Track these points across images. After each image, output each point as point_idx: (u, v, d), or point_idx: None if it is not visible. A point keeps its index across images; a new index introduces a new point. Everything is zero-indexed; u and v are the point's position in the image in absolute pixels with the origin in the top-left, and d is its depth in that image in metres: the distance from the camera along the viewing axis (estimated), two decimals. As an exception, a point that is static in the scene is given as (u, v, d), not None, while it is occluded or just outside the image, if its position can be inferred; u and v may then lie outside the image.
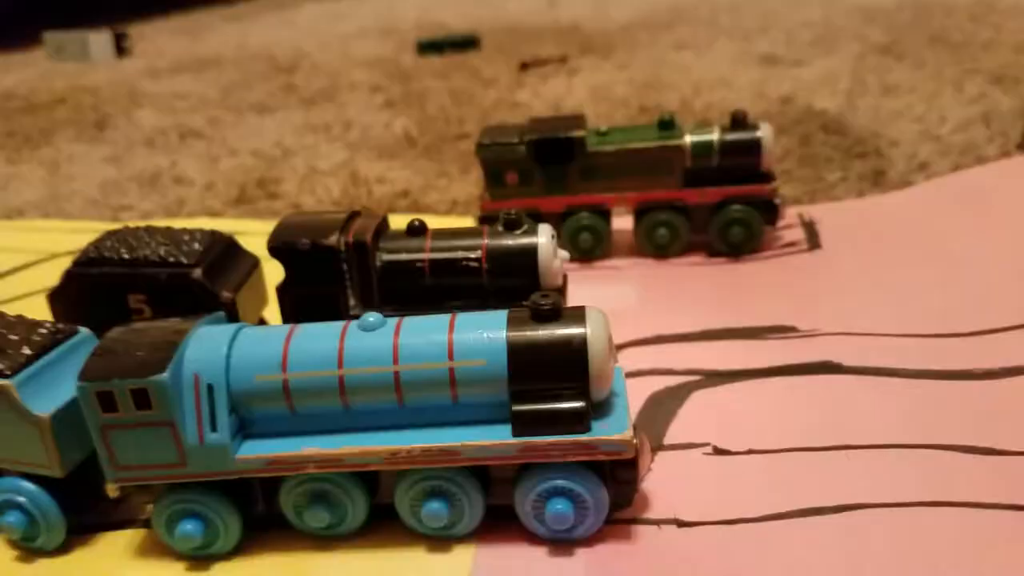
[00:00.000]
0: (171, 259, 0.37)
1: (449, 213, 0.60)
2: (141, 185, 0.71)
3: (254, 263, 0.41)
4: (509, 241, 0.36)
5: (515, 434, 0.28)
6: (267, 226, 0.57)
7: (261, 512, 0.31)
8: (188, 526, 0.29)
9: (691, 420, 0.35)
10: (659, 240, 0.50)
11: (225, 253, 0.40)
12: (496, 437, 0.28)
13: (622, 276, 0.50)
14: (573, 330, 0.28)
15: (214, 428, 0.28)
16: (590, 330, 0.28)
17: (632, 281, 0.49)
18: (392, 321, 0.29)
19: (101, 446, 0.28)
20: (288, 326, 0.30)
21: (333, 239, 0.36)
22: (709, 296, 0.45)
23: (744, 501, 0.30)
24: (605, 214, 0.50)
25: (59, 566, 0.30)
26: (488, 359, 0.28)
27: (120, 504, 0.33)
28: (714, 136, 0.49)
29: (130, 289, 0.38)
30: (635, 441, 0.28)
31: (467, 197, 0.61)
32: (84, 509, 0.32)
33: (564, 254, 0.37)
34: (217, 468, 0.28)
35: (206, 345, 0.28)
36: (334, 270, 0.36)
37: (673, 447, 0.33)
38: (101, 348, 0.29)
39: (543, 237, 0.36)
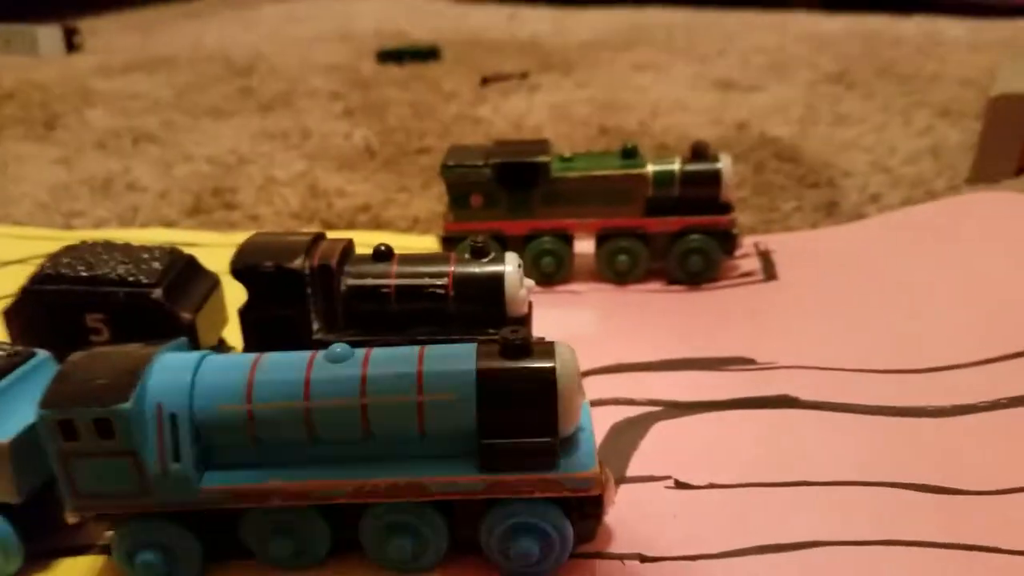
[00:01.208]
0: (130, 278, 0.37)
1: (410, 230, 0.60)
2: (93, 190, 0.69)
3: (214, 282, 0.40)
4: (476, 269, 0.36)
5: (482, 468, 0.28)
6: (224, 238, 0.58)
7: (223, 542, 0.30)
8: (148, 555, 0.29)
9: (653, 452, 0.35)
10: (619, 266, 0.50)
11: (184, 272, 0.39)
12: (464, 472, 0.28)
13: (583, 301, 0.50)
14: (542, 365, 0.28)
15: (177, 459, 0.27)
16: (559, 366, 0.28)
17: (593, 307, 0.49)
18: (360, 352, 0.29)
19: (61, 474, 0.27)
20: (254, 355, 0.29)
21: (298, 262, 0.35)
22: (669, 324, 0.46)
23: (705, 536, 0.30)
24: (567, 239, 0.50)
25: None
26: (457, 393, 0.28)
27: (80, 529, 0.32)
28: (675, 166, 0.50)
29: (88, 308, 0.37)
30: (602, 477, 0.28)
31: (428, 214, 0.61)
32: (42, 534, 0.31)
33: (530, 283, 0.37)
34: (179, 499, 0.28)
35: (169, 373, 0.28)
36: (298, 293, 0.36)
37: (635, 479, 0.34)
38: (62, 374, 0.28)
39: (510, 266, 0.36)
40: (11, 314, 0.37)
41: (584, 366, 0.41)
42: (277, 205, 0.64)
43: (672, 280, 0.50)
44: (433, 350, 0.29)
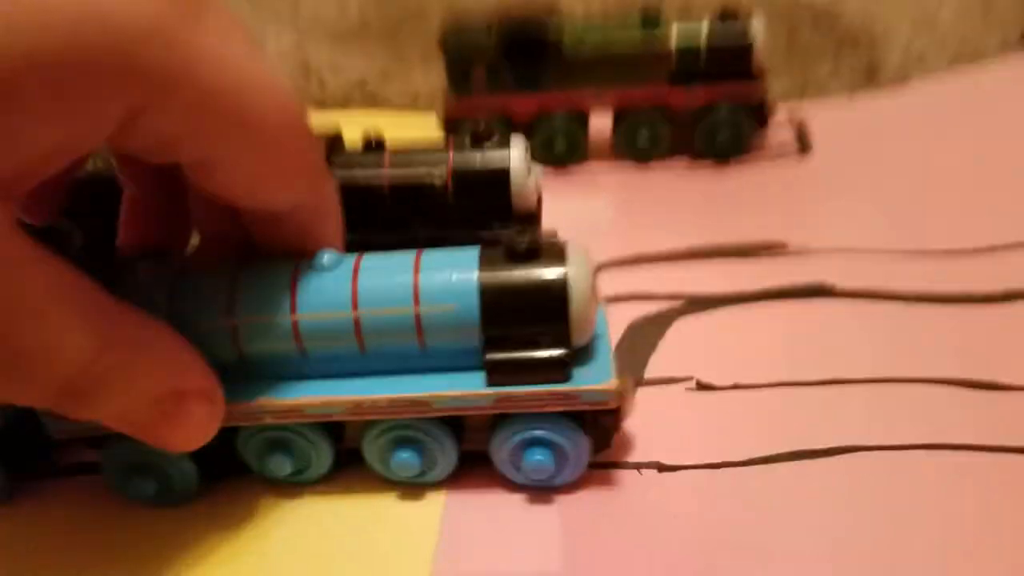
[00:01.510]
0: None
1: (410, 108, 0.56)
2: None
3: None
4: (478, 158, 0.33)
5: (489, 383, 0.26)
6: None
7: (219, 460, 0.28)
8: (138, 479, 0.27)
9: (673, 351, 0.33)
10: (640, 145, 0.46)
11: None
12: (469, 387, 0.26)
13: (599, 185, 0.46)
14: (552, 271, 0.25)
15: None
16: (571, 271, 0.25)
17: (610, 191, 0.46)
18: (349, 260, 0.26)
19: None
20: (233, 266, 0.27)
21: None
22: (694, 207, 0.42)
23: (729, 442, 0.28)
24: (582, 117, 0.46)
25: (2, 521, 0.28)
26: (458, 303, 0.25)
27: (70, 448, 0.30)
28: (702, 32, 0.45)
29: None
30: (619, 389, 0.26)
31: (430, 90, 0.57)
32: (29, 457, 0.29)
33: (539, 170, 0.34)
34: None
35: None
36: None
37: (654, 382, 0.31)
38: None
39: (516, 152, 0.32)
40: None
41: (599, 258, 0.38)
42: None
43: (698, 157, 0.47)
44: (431, 256, 0.26)
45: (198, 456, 0.27)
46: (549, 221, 0.31)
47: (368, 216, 0.34)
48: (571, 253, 0.26)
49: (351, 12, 0.72)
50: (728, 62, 0.45)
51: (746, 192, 0.44)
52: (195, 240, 0.30)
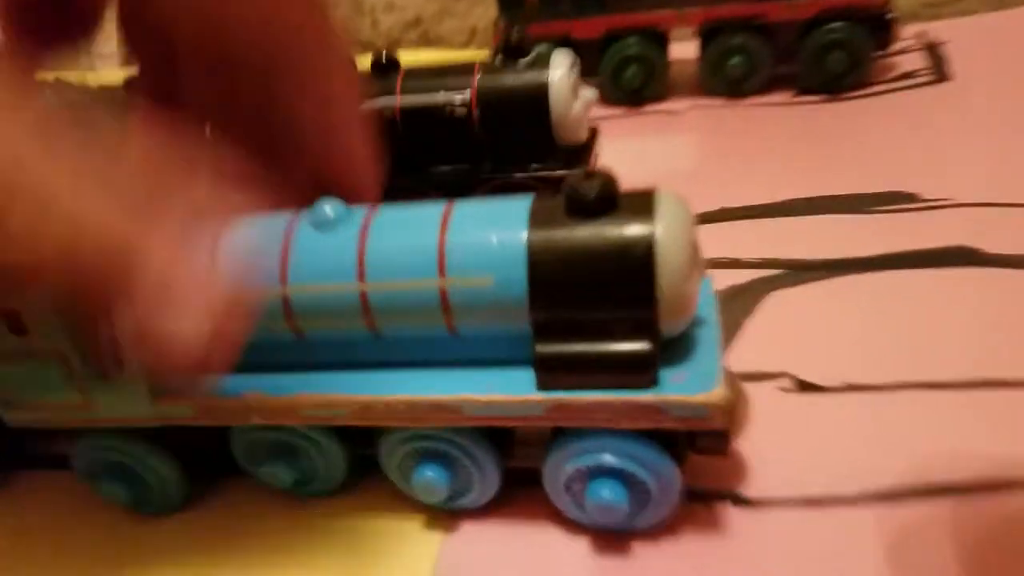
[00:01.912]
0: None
1: (467, 45, 0.53)
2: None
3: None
4: (508, 78, 0.28)
5: (540, 386, 0.20)
6: None
7: (211, 460, 0.24)
8: (112, 481, 0.23)
9: (764, 335, 0.27)
10: (732, 72, 0.42)
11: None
12: (513, 390, 0.20)
13: (680, 124, 0.40)
14: (634, 229, 0.18)
15: (119, 361, 0.21)
16: (662, 229, 0.18)
17: (693, 131, 0.40)
18: (357, 214, 0.21)
19: None
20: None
21: None
22: (796, 151, 0.37)
23: (837, 468, 0.22)
24: (660, 39, 0.42)
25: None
26: (498, 275, 0.19)
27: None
28: None
29: None
30: (729, 401, 0.19)
31: (486, 23, 0.53)
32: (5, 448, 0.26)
33: (589, 94, 0.28)
34: (131, 413, 0.22)
35: None
36: None
37: (740, 376, 0.24)
38: None
39: (557, 69, 0.27)
40: None
41: None
42: None
43: (804, 88, 0.41)
44: (465, 210, 0.20)
45: (184, 457, 0.24)
46: (610, 166, 0.24)
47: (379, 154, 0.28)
48: (662, 204, 0.19)
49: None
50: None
51: (864, 131, 0.38)
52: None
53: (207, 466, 0.24)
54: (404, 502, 0.23)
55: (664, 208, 0.19)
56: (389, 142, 0.28)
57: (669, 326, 0.19)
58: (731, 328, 0.27)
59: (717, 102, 0.41)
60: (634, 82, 0.41)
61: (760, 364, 0.25)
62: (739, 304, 0.28)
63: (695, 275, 0.19)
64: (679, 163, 0.36)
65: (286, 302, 0.20)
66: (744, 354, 0.26)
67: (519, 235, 0.19)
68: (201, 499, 0.24)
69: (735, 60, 0.41)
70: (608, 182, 0.19)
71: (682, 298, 0.19)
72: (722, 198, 0.33)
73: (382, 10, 0.57)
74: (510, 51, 0.27)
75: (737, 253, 0.30)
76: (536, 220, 0.19)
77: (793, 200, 0.33)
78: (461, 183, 0.28)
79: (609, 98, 0.41)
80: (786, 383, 0.25)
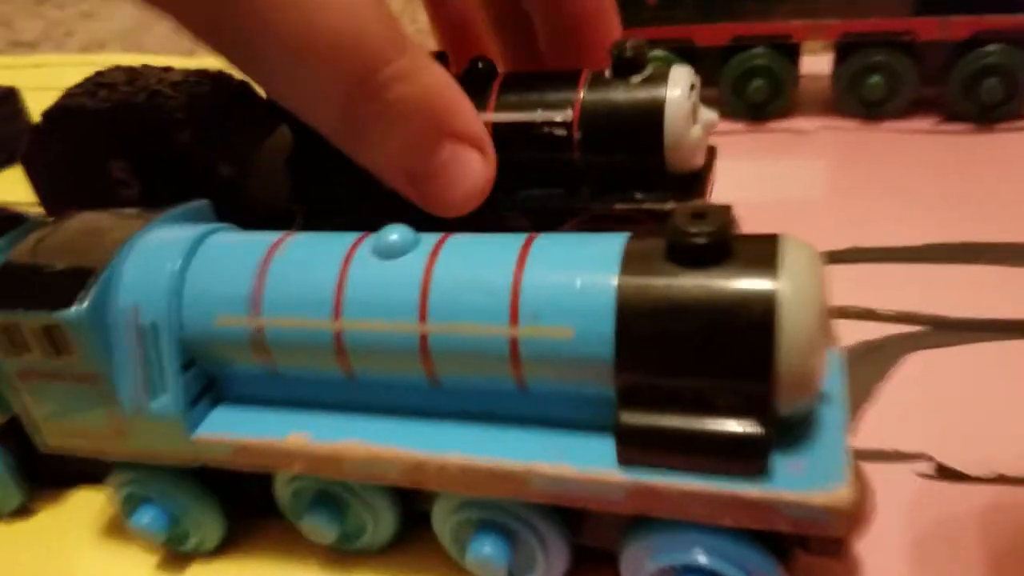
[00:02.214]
0: (157, 114, 0.27)
1: None
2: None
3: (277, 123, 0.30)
4: (619, 95, 0.24)
5: (622, 460, 0.17)
6: None
7: (252, 500, 0.23)
8: (146, 518, 0.22)
9: (900, 405, 0.23)
10: (870, 93, 0.39)
11: (235, 105, 0.29)
12: (591, 462, 0.17)
13: (807, 146, 0.37)
14: (752, 285, 0.16)
15: (160, 390, 0.20)
16: (787, 287, 0.16)
17: (822, 155, 0.36)
18: (427, 241, 0.19)
19: (16, 396, 0.21)
20: (276, 235, 0.21)
21: None
22: (941, 186, 0.33)
23: None
24: (790, 51, 0.39)
25: (12, 536, 0.24)
26: (580, 326, 0.17)
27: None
28: None
29: (108, 153, 0.29)
30: (854, 503, 0.16)
31: None
32: (50, 462, 0.25)
33: (710, 116, 0.25)
34: (167, 448, 0.21)
35: (152, 261, 0.20)
36: None
37: (869, 456, 0.22)
38: (15, 258, 0.21)
39: (676, 88, 0.24)
40: (28, 160, 0.30)
41: None
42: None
43: (953, 115, 0.38)
44: (545, 244, 0.18)
45: (223, 495, 0.22)
46: (726, 192, 0.23)
47: None
48: (787, 253, 0.16)
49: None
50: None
51: (1021, 168, 0.34)
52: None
53: (247, 505, 0.23)
54: (460, 571, 0.20)
55: (790, 259, 0.16)
56: None
57: (787, 405, 0.16)
58: (860, 393, 0.24)
59: (851, 124, 0.38)
60: (758, 96, 0.39)
61: (893, 440, 0.22)
62: (871, 365, 0.25)
63: (823, 343, 0.16)
64: (804, 191, 0.33)
65: (338, 338, 0.18)
66: (875, 427, 0.23)
67: (608, 281, 0.16)
68: (237, 540, 0.23)
69: (874, 79, 0.37)
70: (723, 223, 0.16)
71: (806, 372, 0.16)
72: (853, 235, 0.30)
73: None
74: (622, 65, 0.24)
75: (870, 302, 0.27)
76: (630, 264, 0.17)
77: (938, 244, 0.29)
78: (553, 210, 0.25)
79: (729, 111, 0.38)
80: (924, 467, 0.21)
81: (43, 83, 0.49)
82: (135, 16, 0.66)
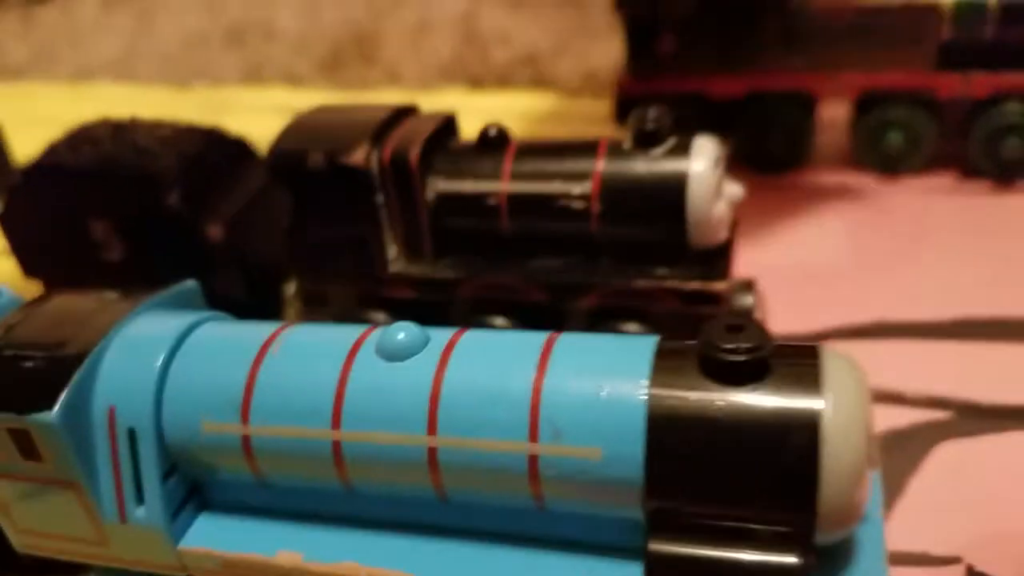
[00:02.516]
0: (144, 172, 0.27)
1: (581, 91, 0.48)
2: (228, 40, 0.62)
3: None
4: (640, 167, 0.24)
5: None
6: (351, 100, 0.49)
7: None
8: None
9: (931, 501, 0.22)
10: (889, 148, 0.37)
11: (228, 164, 0.28)
12: None
13: (826, 204, 0.36)
14: (793, 407, 0.15)
15: (142, 497, 0.19)
16: (832, 412, 0.15)
17: (841, 215, 0.35)
18: (437, 340, 0.18)
19: None
20: (270, 328, 0.19)
21: (360, 154, 0.25)
22: (966, 249, 0.32)
23: None
24: (808, 104, 0.38)
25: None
26: (607, 446, 0.16)
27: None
28: None
29: (91, 213, 0.28)
30: None
31: (609, 65, 0.49)
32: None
33: (735, 190, 0.25)
34: (149, 558, 0.19)
35: (132, 357, 0.19)
36: (362, 202, 0.26)
37: (897, 558, 0.21)
38: None
39: (700, 161, 0.23)
40: (6, 219, 0.29)
41: (822, 323, 0.29)
42: (424, 57, 0.55)
43: (973, 171, 0.37)
44: (569, 347, 0.17)
45: None
46: (745, 255, 0.25)
47: (478, 244, 0.25)
48: (830, 373, 0.15)
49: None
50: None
51: None
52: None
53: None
54: None
55: (834, 379, 0.15)
56: (491, 233, 0.25)
57: (828, 535, 0.15)
58: (891, 487, 0.23)
59: (868, 179, 0.37)
60: (776, 148, 0.38)
61: (924, 542, 0.21)
62: (901, 454, 0.23)
63: (864, 471, 0.15)
64: (824, 255, 0.32)
65: (337, 448, 0.17)
66: (905, 525, 0.22)
67: (639, 397, 0.16)
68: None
69: (893, 135, 0.36)
70: (761, 338, 0.15)
71: (850, 501, 0.15)
72: (877, 307, 0.29)
73: (496, 42, 0.54)
74: (643, 136, 0.23)
75: (898, 383, 0.26)
76: (661, 377, 0.16)
77: (968, 319, 0.28)
78: (571, 283, 0.24)
79: (746, 163, 0.38)
80: (956, 572, 0.20)
81: (29, 114, 0.48)
82: (127, 43, 0.65)
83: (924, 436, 0.24)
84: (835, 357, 0.15)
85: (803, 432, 0.15)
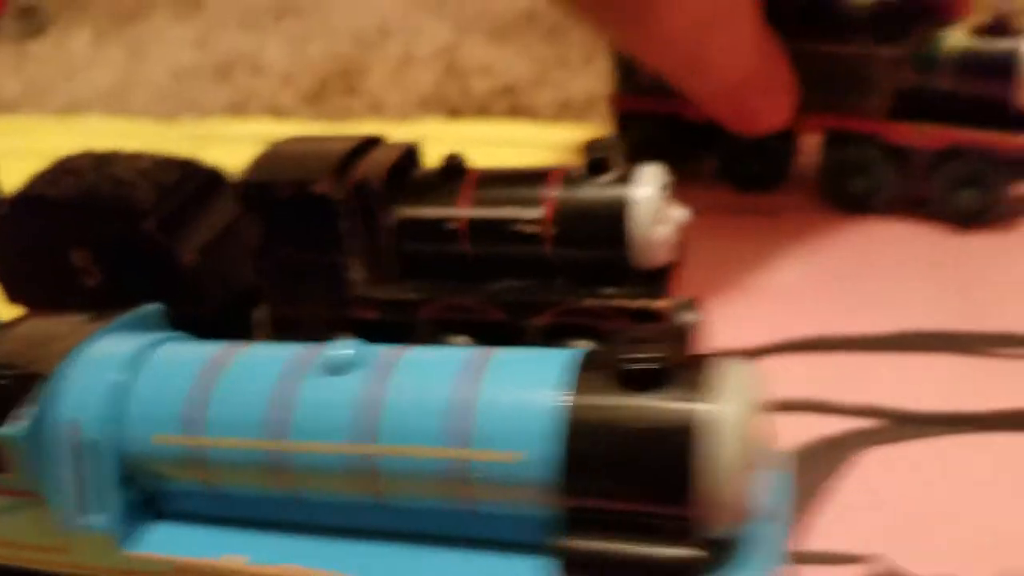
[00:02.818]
0: (122, 202, 0.29)
1: (558, 118, 0.50)
2: (216, 73, 0.64)
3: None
4: (589, 193, 0.26)
5: None
6: (333, 131, 0.51)
7: None
8: None
9: (853, 504, 0.24)
10: (852, 187, 0.38)
11: (202, 194, 0.30)
12: None
13: (781, 231, 0.37)
14: (676, 407, 0.17)
15: (99, 506, 0.20)
16: (711, 415, 0.17)
17: (799, 242, 0.36)
18: (380, 356, 0.19)
19: None
20: (226, 346, 0.21)
21: (326, 183, 0.27)
22: (916, 281, 0.33)
23: None
24: (785, 133, 0.38)
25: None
26: (528, 451, 0.17)
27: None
28: (952, 43, 0.35)
29: (71, 242, 0.30)
30: None
31: (586, 96, 0.51)
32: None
33: (680, 215, 0.26)
34: (103, 563, 0.21)
35: (94, 375, 0.21)
36: (328, 229, 0.27)
37: (823, 558, 0.22)
38: None
39: (643, 188, 0.26)
40: None
41: (766, 336, 0.31)
42: (406, 89, 0.57)
43: (934, 215, 0.37)
44: (503, 361, 0.19)
45: None
46: (700, 276, 0.25)
47: (440, 267, 0.27)
48: (723, 384, 0.17)
49: (519, 4, 0.66)
50: (982, 90, 0.35)
51: (995, 269, 0.34)
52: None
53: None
54: None
55: (723, 387, 0.17)
56: (451, 256, 0.27)
57: (715, 527, 0.17)
58: (812, 491, 0.24)
59: (834, 215, 0.38)
60: (755, 167, 0.39)
61: (845, 541, 0.23)
62: (826, 461, 0.25)
63: (748, 467, 0.17)
64: (777, 276, 0.33)
65: (281, 459, 0.19)
66: (827, 526, 0.23)
67: (550, 403, 0.17)
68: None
69: (857, 178, 0.37)
70: (661, 350, 0.17)
71: (728, 501, 0.17)
72: (821, 323, 0.30)
73: (475, 74, 0.56)
74: (594, 165, 0.26)
75: (835, 394, 0.27)
76: (579, 385, 0.18)
77: (903, 332, 0.30)
78: (527, 303, 0.26)
79: (717, 180, 0.39)
80: (875, 569, 0.22)
81: (20, 147, 0.50)
82: (119, 77, 0.66)
83: (853, 442, 0.26)
84: (734, 368, 0.17)
85: (681, 433, 0.17)
